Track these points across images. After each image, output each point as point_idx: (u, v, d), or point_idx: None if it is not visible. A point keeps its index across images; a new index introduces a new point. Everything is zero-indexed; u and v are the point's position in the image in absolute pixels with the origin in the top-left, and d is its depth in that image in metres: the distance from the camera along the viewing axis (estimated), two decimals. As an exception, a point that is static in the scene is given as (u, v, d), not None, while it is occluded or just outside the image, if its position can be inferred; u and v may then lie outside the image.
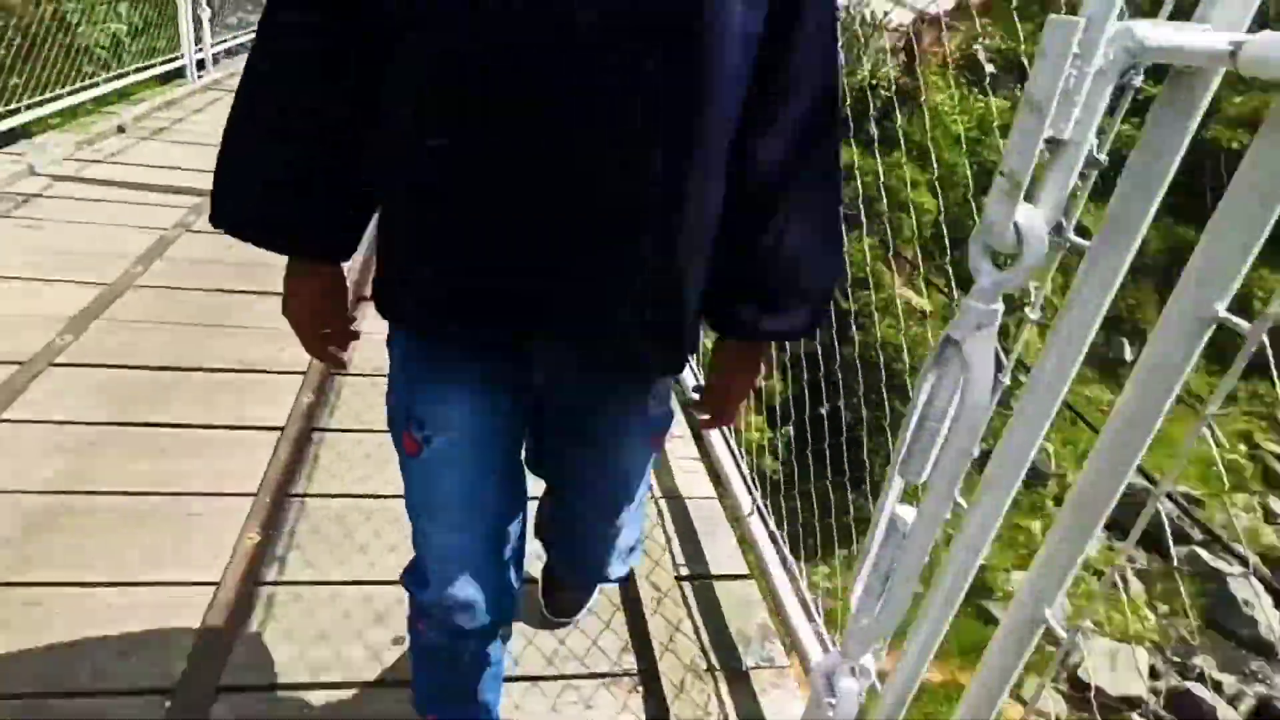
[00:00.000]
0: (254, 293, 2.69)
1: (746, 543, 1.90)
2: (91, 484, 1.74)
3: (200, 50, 5.42)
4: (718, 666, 1.56)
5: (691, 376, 2.45)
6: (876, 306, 9.77)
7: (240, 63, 6.71)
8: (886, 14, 14.97)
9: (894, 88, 11.03)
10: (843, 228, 0.98)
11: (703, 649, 1.59)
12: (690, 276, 0.87)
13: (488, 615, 0.98)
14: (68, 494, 1.71)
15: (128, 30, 5.25)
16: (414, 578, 1.00)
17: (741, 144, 0.84)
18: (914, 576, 0.86)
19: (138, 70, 5.00)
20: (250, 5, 7.68)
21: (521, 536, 1.04)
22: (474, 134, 0.77)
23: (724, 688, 1.51)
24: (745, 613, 1.68)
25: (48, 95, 4.02)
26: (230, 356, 2.29)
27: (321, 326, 0.96)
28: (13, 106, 3.74)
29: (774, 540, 1.84)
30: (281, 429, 2.00)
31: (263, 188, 0.87)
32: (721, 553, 1.84)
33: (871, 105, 9.28)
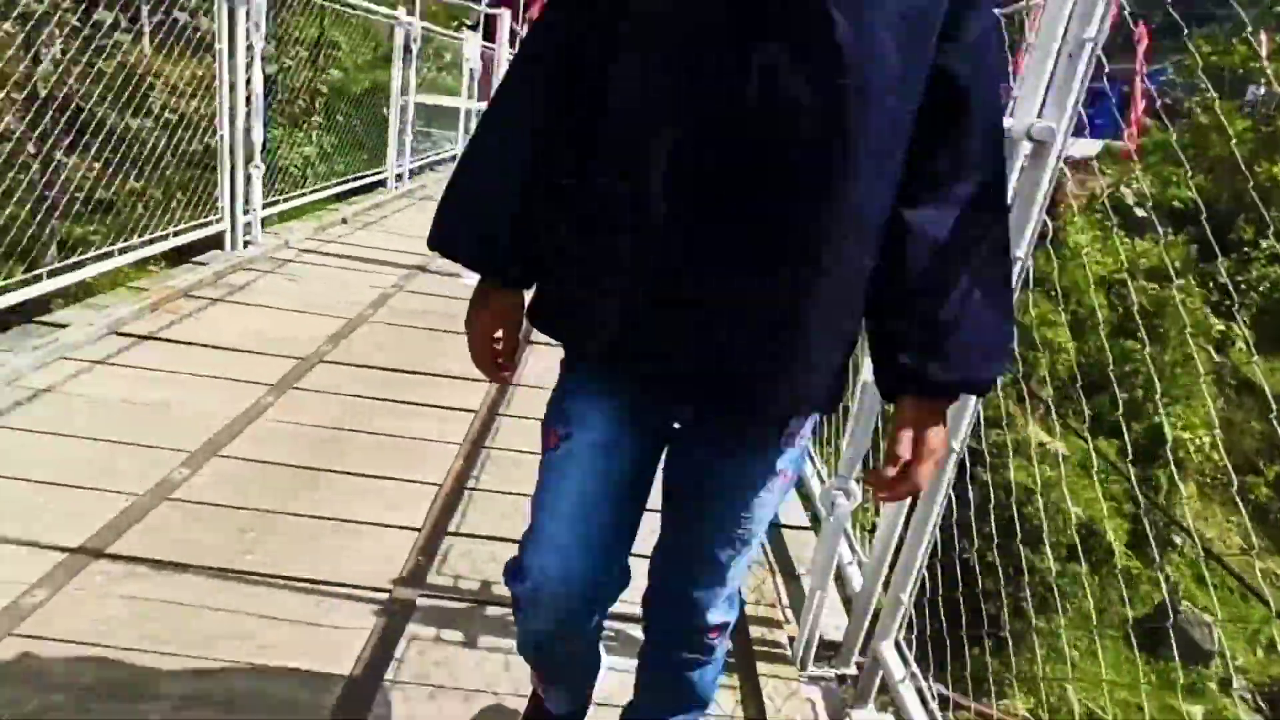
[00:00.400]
0: (453, 332, 3.33)
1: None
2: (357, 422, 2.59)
3: (400, 166, 7.02)
4: None
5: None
6: (1006, 446, 9.38)
7: (424, 179, 7.67)
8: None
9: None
10: (1013, 297, 1.01)
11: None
12: (826, 332, 0.94)
13: (586, 603, 1.05)
14: (346, 430, 2.52)
15: (318, 153, 6.25)
16: (513, 574, 1.06)
17: (908, 214, 0.91)
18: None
19: (355, 180, 6.27)
20: (427, 138, 8.62)
21: (624, 554, 1.10)
22: (649, 197, 0.89)
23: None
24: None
25: (290, 194, 5.14)
26: (437, 366, 3.13)
27: (495, 345, 1.06)
28: (270, 200, 4.66)
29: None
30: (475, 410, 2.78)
31: (476, 223, 1.02)
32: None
33: None
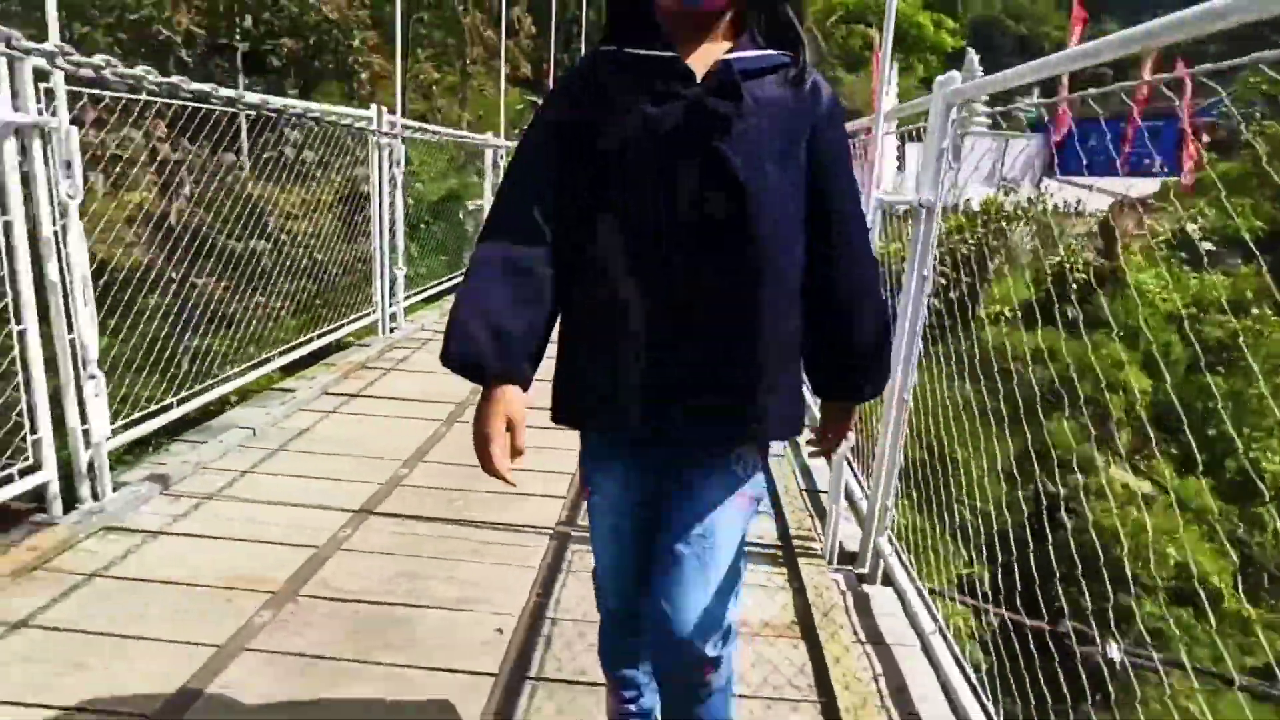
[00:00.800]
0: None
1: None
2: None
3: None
4: None
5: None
6: (1089, 490, 9.23)
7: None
8: (1080, 201, 14.98)
9: (1090, 270, 10.92)
10: (890, 321, 1.37)
11: None
12: (768, 381, 1.21)
13: (633, 602, 1.37)
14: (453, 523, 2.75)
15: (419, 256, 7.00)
16: (594, 574, 1.45)
17: (817, 280, 1.24)
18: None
19: (449, 280, 7.04)
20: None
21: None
22: (618, 302, 1.16)
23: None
24: None
25: (412, 291, 6.02)
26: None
27: (504, 446, 1.16)
28: (335, 325, 5.10)
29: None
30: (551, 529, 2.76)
31: (484, 339, 1.15)
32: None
33: (1068, 288, 9.29)
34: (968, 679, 2.01)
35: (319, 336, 4.44)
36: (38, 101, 2.29)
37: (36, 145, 2.30)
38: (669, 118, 1.14)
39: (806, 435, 1.47)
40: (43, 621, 1.99)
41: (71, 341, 2.46)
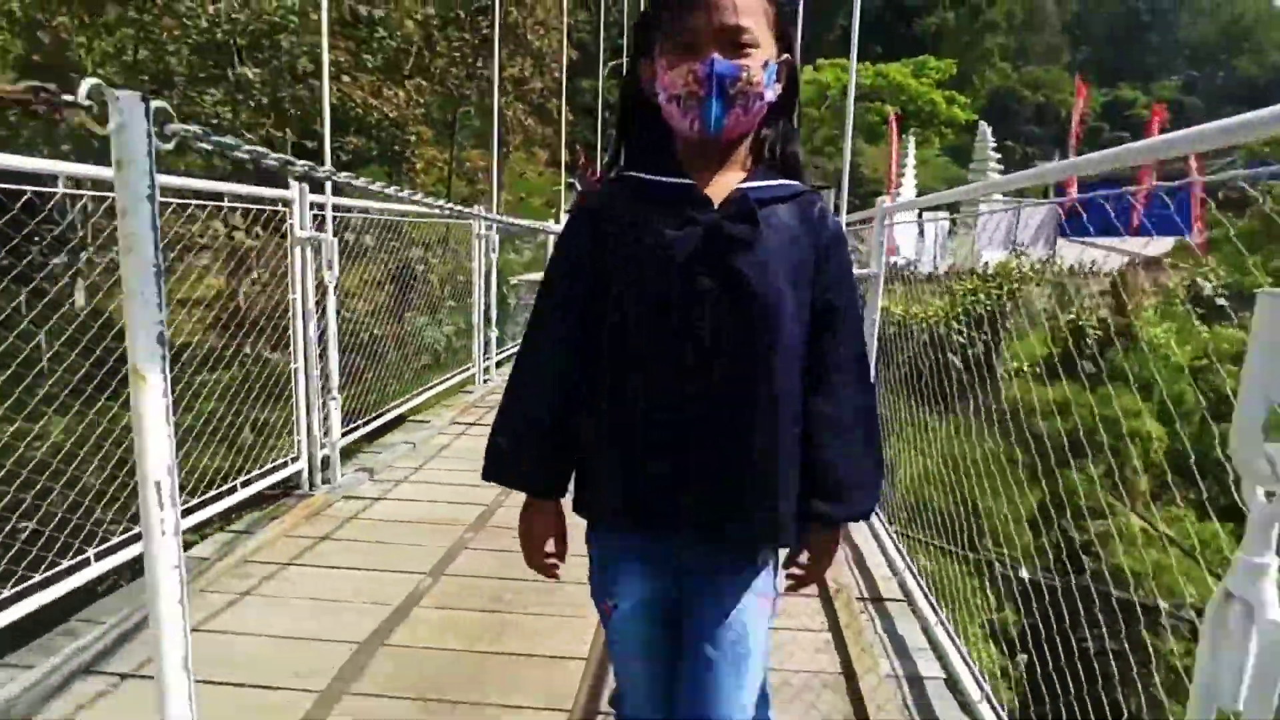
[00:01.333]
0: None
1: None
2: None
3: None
4: None
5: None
6: (1111, 534, 9.58)
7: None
8: (1094, 262, 15.58)
9: (1108, 324, 11.43)
10: (883, 451, 1.36)
11: None
12: (785, 488, 1.24)
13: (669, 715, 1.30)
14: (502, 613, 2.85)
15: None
16: (617, 700, 1.41)
17: (809, 402, 1.26)
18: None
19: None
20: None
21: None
22: (641, 409, 1.22)
23: None
24: None
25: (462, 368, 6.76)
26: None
27: (545, 546, 1.29)
28: (416, 392, 5.95)
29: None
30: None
31: (520, 458, 1.27)
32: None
33: (1084, 343, 9.78)
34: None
35: (446, 380, 6.03)
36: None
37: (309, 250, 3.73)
38: (689, 241, 1.19)
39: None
40: (336, 536, 3.45)
41: (323, 372, 3.86)
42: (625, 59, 1.36)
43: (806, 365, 1.26)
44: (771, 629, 1.35)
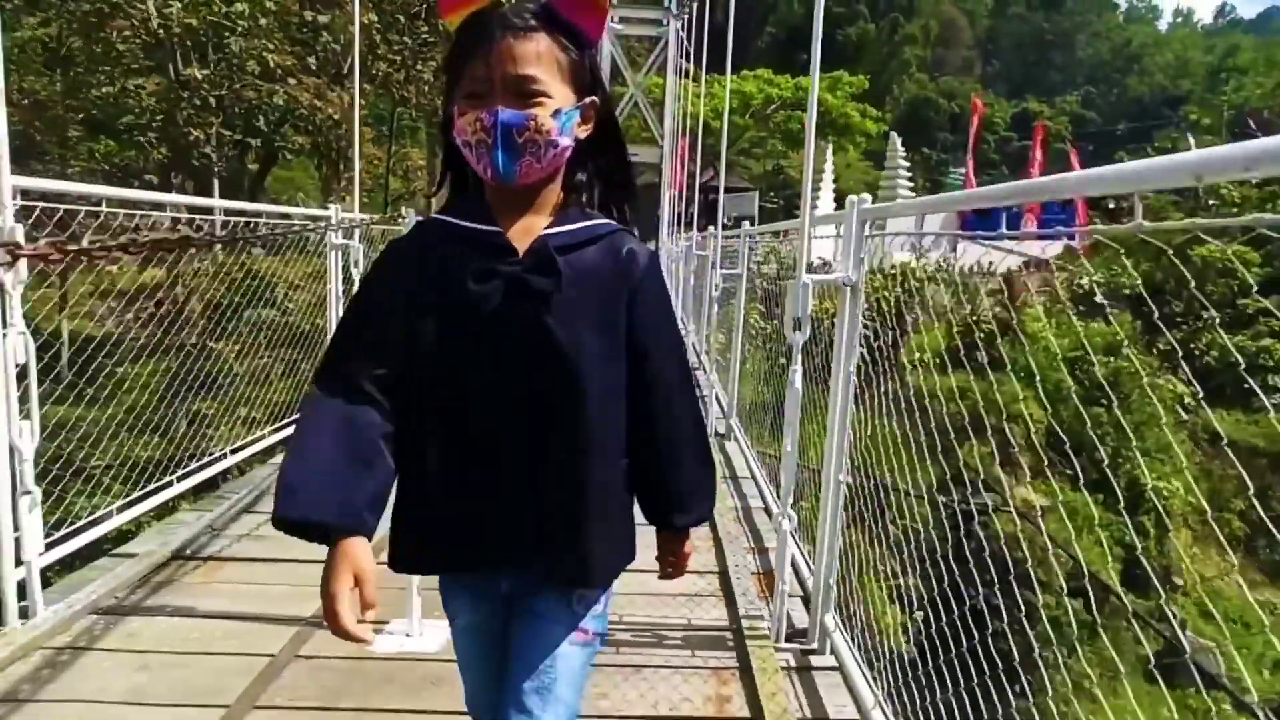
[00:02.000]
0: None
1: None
2: None
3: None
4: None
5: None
6: (995, 507, 10.56)
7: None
8: (991, 264, 16.91)
9: (996, 319, 12.51)
10: (713, 459, 1.48)
11: None
12: (595, 530, 1.28)
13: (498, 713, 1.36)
14: None
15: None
16: (468, 705, 1.47)
17: (640, 433, 1.31)
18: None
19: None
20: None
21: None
22: (451, 461, 1.23)
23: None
24: None
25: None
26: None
27: (352, 604, 1.13)
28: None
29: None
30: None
31: (323, 494, 1.13)
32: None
33: (977, 336, 10.80)
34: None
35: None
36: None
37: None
38: (493, 295, 1.19)
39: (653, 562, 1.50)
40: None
41: None
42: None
43: (634, 393, 1.30)
44: (591, 666, 1.40)
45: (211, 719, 2.21)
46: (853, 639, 2.68)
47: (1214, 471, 12.79)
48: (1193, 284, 13.70)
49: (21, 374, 2.50)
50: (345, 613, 1.11)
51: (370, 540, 1.16)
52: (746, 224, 6.26)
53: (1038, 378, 11.41)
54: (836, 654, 2.67)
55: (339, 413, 1.17)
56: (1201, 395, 12.09)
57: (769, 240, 6.41)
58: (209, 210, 4.35)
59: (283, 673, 2.46)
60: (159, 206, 3.50)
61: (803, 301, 2.75)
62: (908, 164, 26.59)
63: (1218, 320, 13.77)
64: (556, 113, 1.20)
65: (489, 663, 1.39)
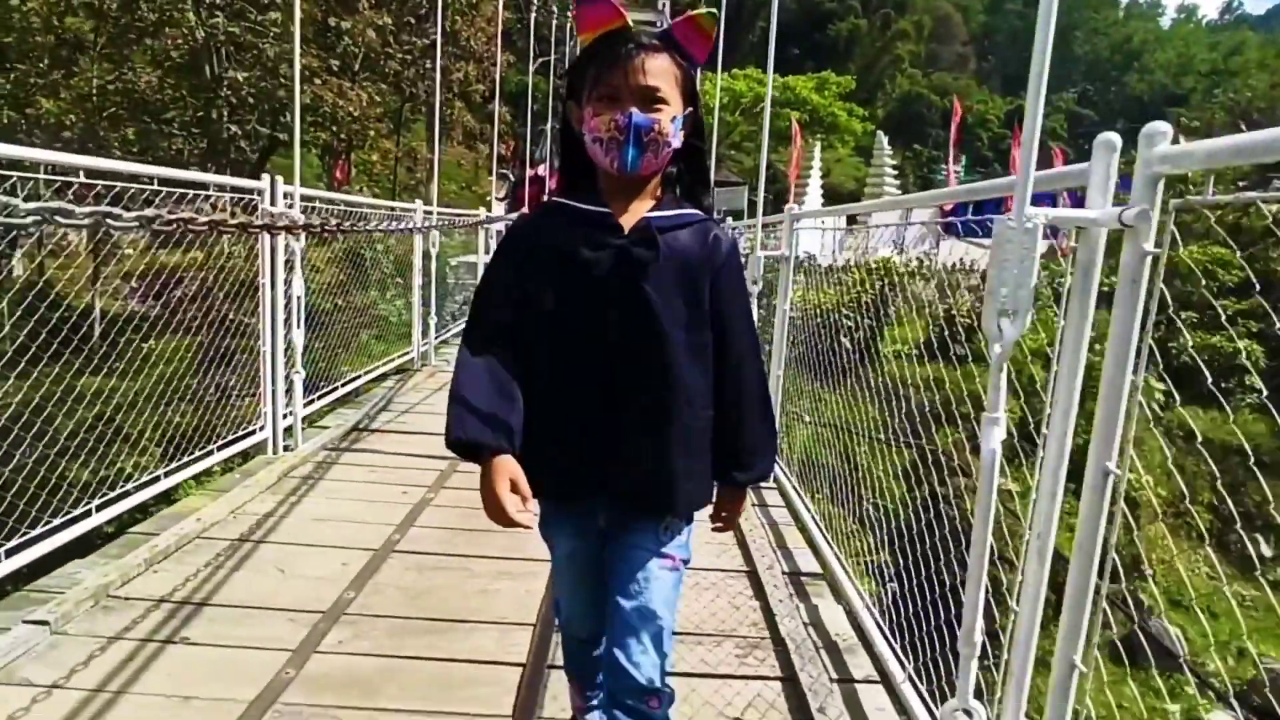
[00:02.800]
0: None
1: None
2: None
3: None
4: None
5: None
6: (968, 490, 11.10)
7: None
8: (974, 261, 17.57)
9: (972, 313, 13.13)
10: (776, 423, 1.65)
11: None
12: (680, 468, 1.47)
13: (592, 630, 1.65)
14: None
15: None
16: (557, 612, 1.77)
17: (718, 394, 1.50)
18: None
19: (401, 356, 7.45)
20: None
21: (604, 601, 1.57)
22: (563, 403, 1.45)
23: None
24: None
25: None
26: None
27: (515, 502, 1.36)
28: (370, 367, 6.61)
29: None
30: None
31: (484, 420, 1.39)
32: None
33: (955, 329, 11.37)
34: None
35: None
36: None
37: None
38: (602, 262, 1.40)
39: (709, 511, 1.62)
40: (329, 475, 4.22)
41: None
42: (561, 101, 1.71)
43: (714, 360, 1.49)
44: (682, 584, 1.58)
45: (415, 496, 3.82)
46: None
47: (1186, 467, 13.38)
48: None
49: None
50: (509, 508, 1.33)
51: (518, 454, 1.40)
52: (730, 219, 7.00)
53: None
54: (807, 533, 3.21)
55: (483, 362, 1.42)
56: (1172, 391, 12.65)
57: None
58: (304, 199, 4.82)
59: (453, 475, 4.17)
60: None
61: (761, 267, 4.39)
62: (894, 162, 27.34)
63: (1194, 320, 14.37)
64: (673, 119, 1.42)
65: (584, 589, 1.61)
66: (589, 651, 1.70)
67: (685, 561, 1.57)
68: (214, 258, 4.21)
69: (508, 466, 1.38)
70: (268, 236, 4.00)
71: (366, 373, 6.29)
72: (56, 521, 2.78)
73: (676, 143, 1.44)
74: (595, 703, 1.79)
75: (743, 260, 1.92)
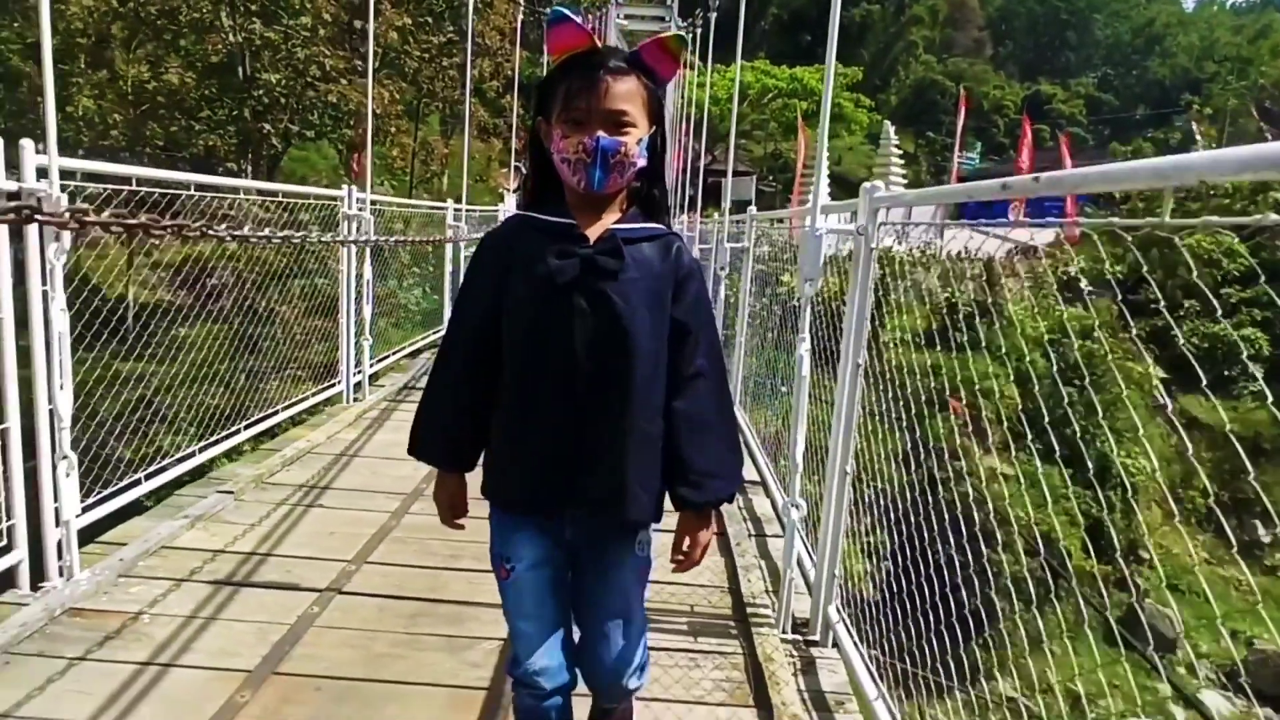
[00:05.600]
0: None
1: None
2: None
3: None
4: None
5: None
6: (964, 473, 11.38)
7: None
8: (979, 248, 17.79)
9: (975, 302, 13.42)
10: (740, 441, 1.69)
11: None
12: (640, 476, 1.49)
13: (558, 677, 1.56)
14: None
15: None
16: (511, 663, 1.58)
17: (671, 406, 1.50)
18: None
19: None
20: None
21: (570, 629, 1.60)
22: (530, 409, 1.48)
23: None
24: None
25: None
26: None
27: (452, 507, 1.61)
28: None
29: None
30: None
31: (439, 441, 1.58)
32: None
33: (957, 317, 11.67)
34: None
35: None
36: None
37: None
38: (569, 270, 1.42)
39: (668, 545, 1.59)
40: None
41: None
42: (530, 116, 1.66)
43: (669, 373, 1.50)
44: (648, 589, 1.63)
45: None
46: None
47: (1186, 454, 13.50)
48: (1152, 274, 14.48)
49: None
50: (446, 516, 1.64)
51: (470, 470, 1.61)
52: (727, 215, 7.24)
53: (1013, 357, 12.36)
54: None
55: (449, 377, 1.58)
56: (1169, 379, 12.89)
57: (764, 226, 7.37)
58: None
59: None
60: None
61: (727, 255, 5.32)
62: (900, 151, 27.58)
63: (1197, 309, 14.48)
64: (639, 140, 1.45)
65: (547, 608, 1.56)
66: (557, 690, 1.58)
67: (649, 560, 1.64)
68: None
69: (450, 486, 1.62)
70: (350, 227, 5.40)
71: (410, 344, 7.80)
72: (245, 423, 4.47)
73: (642, 162, 1.48)
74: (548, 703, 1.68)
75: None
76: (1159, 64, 76.56)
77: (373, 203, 5.90)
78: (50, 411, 2.61)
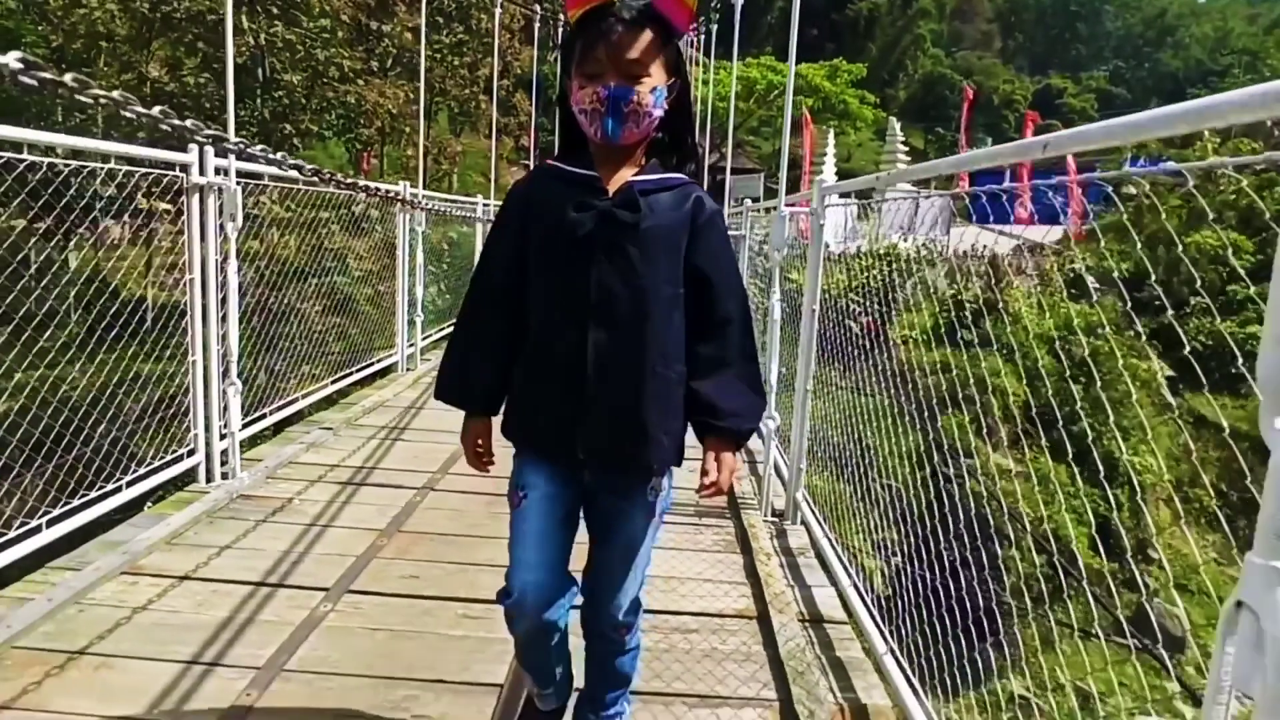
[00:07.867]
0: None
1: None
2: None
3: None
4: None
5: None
6: (969, 471, 11.43)
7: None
8: (986, 246, 17.85)
9: (980, 299, 13.47)
10: (764, 392, 1.67)
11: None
12: (654, 420, 1.51)
13: (549, 601, 1.55)
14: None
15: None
16: (503, 594, 1.57)
17: (695, 351, 1.54)
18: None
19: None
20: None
21: (568, 565, 1.61)
22: (550, 356, 1.52)
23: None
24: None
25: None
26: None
27: (478, 449, 1.65)
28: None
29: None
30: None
31: (460, 384, 1.62)
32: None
33: (963, 314, 11.71)
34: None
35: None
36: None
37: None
38: (586, 222, 1.48)
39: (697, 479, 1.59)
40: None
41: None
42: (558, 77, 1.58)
43: (695, 319, 1.54)
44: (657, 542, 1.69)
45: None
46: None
47: (1194, 452, 13.44)
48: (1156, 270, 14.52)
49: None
50: (473, 458, 1.67)
51: (495, 414, 1.65)
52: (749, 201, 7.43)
53: (1019, 354, 12.40)
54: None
55: (473, 322, 1.63)
56: (1174, 376, 12.89)
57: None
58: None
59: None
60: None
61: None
62: (906, 147, 27.75)
63: (1204, 306, 14.45)
64: (654, 90, 1.47)
65: (550, 540, 1.57)
66: (551, 623, 1.58)
67: (665, 511, 1.67)
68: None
69: (474, 428, 1.66)
70: (405, 217, 6.28)
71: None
72: (313, 386, 5.19)
73: (658, 112, 1.50)
74: (550, 690, 1.78)
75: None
76: (1171, 56, 75.72)
77: (425, 196, 7.05)
78: (222, 350, 3.52)
